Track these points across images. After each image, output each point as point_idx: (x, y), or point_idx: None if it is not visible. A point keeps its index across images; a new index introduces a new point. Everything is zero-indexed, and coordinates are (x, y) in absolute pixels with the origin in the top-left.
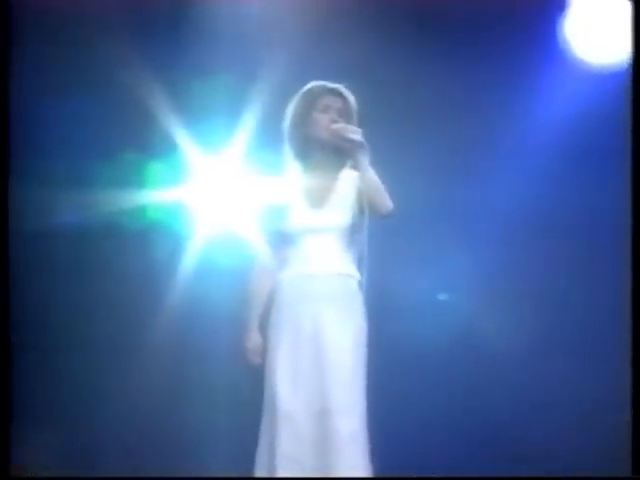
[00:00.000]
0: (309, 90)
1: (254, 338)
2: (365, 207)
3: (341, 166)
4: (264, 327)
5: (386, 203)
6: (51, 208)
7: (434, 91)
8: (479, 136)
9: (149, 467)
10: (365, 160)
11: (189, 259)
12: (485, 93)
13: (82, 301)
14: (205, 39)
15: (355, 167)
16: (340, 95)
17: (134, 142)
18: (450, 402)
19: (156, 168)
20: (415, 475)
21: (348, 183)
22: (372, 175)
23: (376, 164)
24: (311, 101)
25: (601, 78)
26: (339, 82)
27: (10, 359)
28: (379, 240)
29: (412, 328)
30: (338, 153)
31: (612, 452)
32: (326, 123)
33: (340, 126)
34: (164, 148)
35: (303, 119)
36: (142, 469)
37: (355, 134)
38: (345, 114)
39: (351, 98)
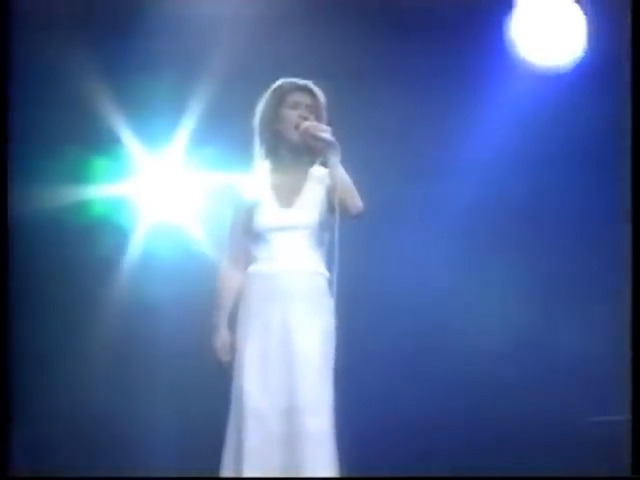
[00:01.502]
0: (278, 87)
1: (223, 336)
2: (335, 206)
3: (311, 164)
4: (232, 324)
5: (356, 203)
6: None
7: (407, 88)
8: (448, 135)
9: (135, 465)
10: (336, 159)
11: (135, 255)
12: (454, 89)
13: (27, 298)
14: (151, 35)
15: (325, 164)
16: (310, 92)
17: (83, 138)
18: (422, 401)
19: (102, 164)
20: (383, 475)
21: (317, 181)
22: (343, 174)
23: (345, 162)
24: (280, 98)
25: (558, 79)
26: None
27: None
28: (350, 238)
29: (382, 326)
30: (308, 151)
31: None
32: (295, 119)
33: (310, 124)
34: (110, 144)
35: (272, 116)
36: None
37: (325, 132)
38: (314, 111)
39: (320, 95)
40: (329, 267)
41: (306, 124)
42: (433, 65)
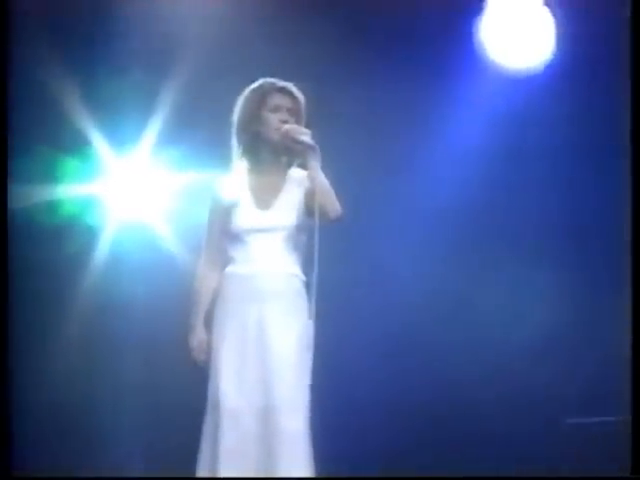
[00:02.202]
0: (259, 87)
1: (200, 335)
2: (314, 209)
3: (289, 165)
4: (209, 324)
5: (335, 207)
6: None
7: (382, 91)
8: (425, 136)
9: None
10: (315, 162)
11: (111, 255)
12: (428, 91)
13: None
14: (121, 36)
15: (303, 165)
16: (290, 94)
17: (55, 138)
18: (400, 401)
19: (75, 164)
20: (358, 474)
21: (296, 183)
22: (322, 178)
23: (323, 164)
24: (261, 99)
25: (527, 81)
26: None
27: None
28: (328, 241)
29: (359, 327)
30: (288, 154)
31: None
32: (276, 123)
33: (290, 127)
34: (84, 144)
35: (252, 117)
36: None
37: (305, 136)
38: (295, 114)
39: (301, 97)
40: (307, 270)
41: (286, 127)
42: (407, 68)
